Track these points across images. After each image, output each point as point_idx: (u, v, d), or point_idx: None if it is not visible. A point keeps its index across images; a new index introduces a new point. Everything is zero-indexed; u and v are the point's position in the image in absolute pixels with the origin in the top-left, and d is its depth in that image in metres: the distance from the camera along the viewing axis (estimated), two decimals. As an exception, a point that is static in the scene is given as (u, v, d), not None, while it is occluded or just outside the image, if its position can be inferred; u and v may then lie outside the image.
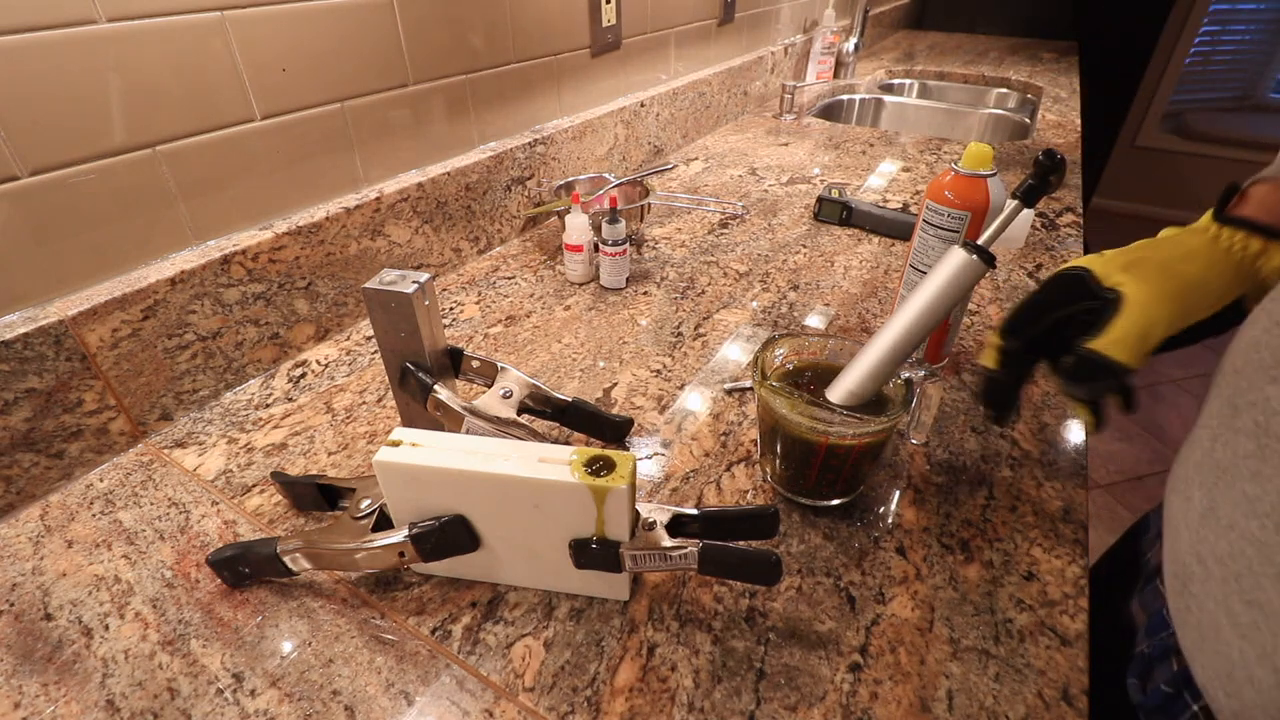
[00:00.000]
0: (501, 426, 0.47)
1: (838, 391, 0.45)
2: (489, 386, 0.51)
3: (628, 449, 0.54)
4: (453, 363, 0.51)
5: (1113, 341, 0.39)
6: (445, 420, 0.48)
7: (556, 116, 0.96)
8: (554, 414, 0.53)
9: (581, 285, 0.79)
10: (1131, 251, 0.43)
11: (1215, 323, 0.41)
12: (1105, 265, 0.42)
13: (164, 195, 0.55)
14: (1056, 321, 0.44)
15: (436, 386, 0.47)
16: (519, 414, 0.50)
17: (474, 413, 0.47)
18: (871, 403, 0.45)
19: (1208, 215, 0.43)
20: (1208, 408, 0.37)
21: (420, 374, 0.48)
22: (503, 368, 0.51)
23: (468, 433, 0.47)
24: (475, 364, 0.52)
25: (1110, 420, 0.46)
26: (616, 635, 0.40)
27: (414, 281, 0.45)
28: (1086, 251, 0.86)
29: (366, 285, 0.45)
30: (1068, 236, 0.88)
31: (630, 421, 0.55)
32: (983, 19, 2.62)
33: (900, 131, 1.40)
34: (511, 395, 0.50)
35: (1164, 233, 0.44)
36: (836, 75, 1.73)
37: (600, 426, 0.54)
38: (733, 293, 0.77)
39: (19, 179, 0.47)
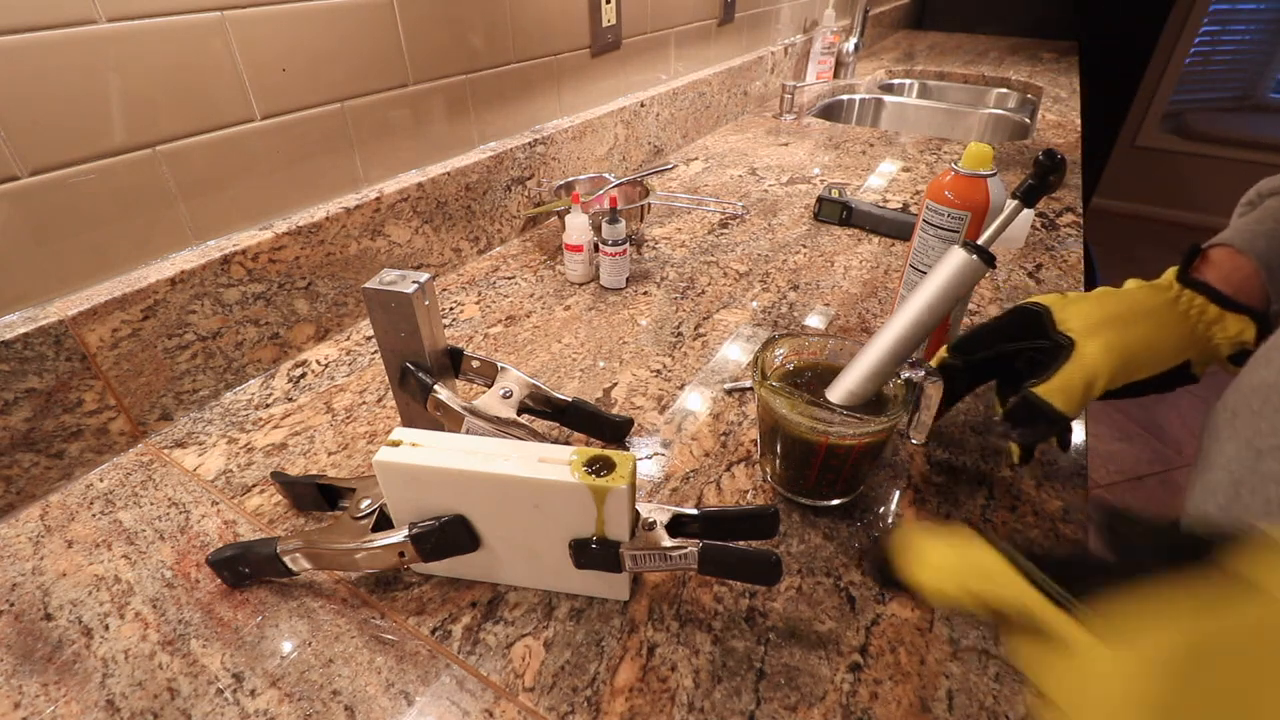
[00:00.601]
0: (501, 426, 0.47)
1: (838, 391, 0.45)
2: (489, 386, 0.51)
3: (628, 449, 0.54)
4: (453, 363, 0.51)
5: (1056, 389, 0.41)
6: (445, 420, 0.48)
7: (556, 116, 0.96)
8: (554, 414, 0.53)
9: (581, 285, 0.79)
10: (1092, 300, 0.43)
11: (1159, 381, 0.41)
12: (1065, 309, 0.43)
13: (164, 195, 0.55)
14: (1004, 353, 0.45)
15: (436, 386, 0.47)
16: (519, 414, 0.50)
17: (474, 413, 0.47)
18: (871, 403, 0.45)
19: (1171, 272, 0.44)
20: (1221, 447, 0.36)
21: (420, 374, 0.48)
22: (503, 368, 0.51)
23: (468, 433, 0.47)
24: (475, 364, 0.52)
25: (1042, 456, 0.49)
26: (616, 635, 0.40)
27: (414, 281, 0.45)
28: (1086, 251, 0.86)
29: (366, 285, 0.45)
30: (1068, 236, 0.88)
31: (630, 421, 0.55)
32: (983, 19, 2.62)
33: (900, 131, 1.40)
34: (511, 395, 0.50)
35: (1129, 284, 0.45)
36: (836, 75, 1.73)
37: (600, 426, 0.54)
38: (733, 293, 0.77)
39: (19, 179, 0.47)
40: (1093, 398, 0.40)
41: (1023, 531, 0.46)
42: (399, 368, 0.49)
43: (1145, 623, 0.20)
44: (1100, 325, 0.41)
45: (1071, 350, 0.41)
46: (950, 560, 0.26)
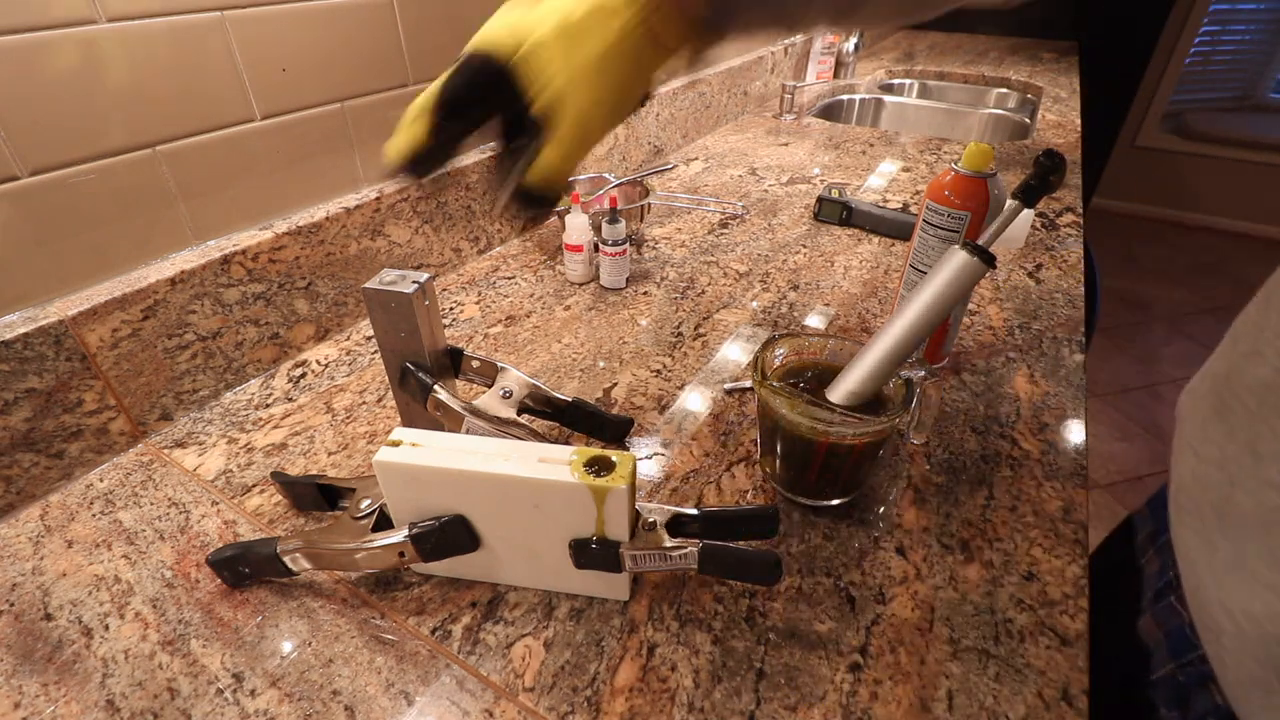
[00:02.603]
0: (501, 426, 0.47)
1: (838, 391, 0.45)
2: (489, 386, 0.51)
3: (628, 449, 0.54)
4: (453, 363, 0.51)
5: (550, 170, 0.35)
6: (445, 420, 0.48)
7: (556, 116, 0.96)
8: (554, 414, 0.53)
9: (581, 285, 0.79)
10: (558, 45, 0.34)
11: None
12: (532, 60, 0.34)
13: (164, 195, 0.55)
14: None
15: (436, 386, 0.47)
16: (519, 414, 0.50)
17: (474, 413, 0.47)
18: (871, 403, 0.45)
19: None
20: (1208, 440, 0.35)
21: (420, 374, 0.48)
22: (503, 368, 0.51)
23: (468, 433, 0.47)
24: (475, 364, 0.52)
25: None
26: (616, 635, 0.40)
27: (414, 281, 0.45)
28: (1086, 251, 0.86)
29: (366, 285, 0.45)
30: (1068, 236, 0.88)
31: (630, 421, 0.55)
32: (983, 19, 2.62)
33: (900, 131, 1.40)
34: (511, 395, 0.50)
35: (572, 3, 0.34)
36: (836, 75, 1.73)
37: (600, 426, 0.54)
38: (733, 293, 0.77)
39: (19, 179, 0.47)
40: (587, 154, 0.36)
41: (1023, 531, 0.46)
42: (399, 368, 0.49)
43: None
44: (573, 84, 0.34)
45: (556, 120, 0.34)
46: None
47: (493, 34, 0.35)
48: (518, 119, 0.35)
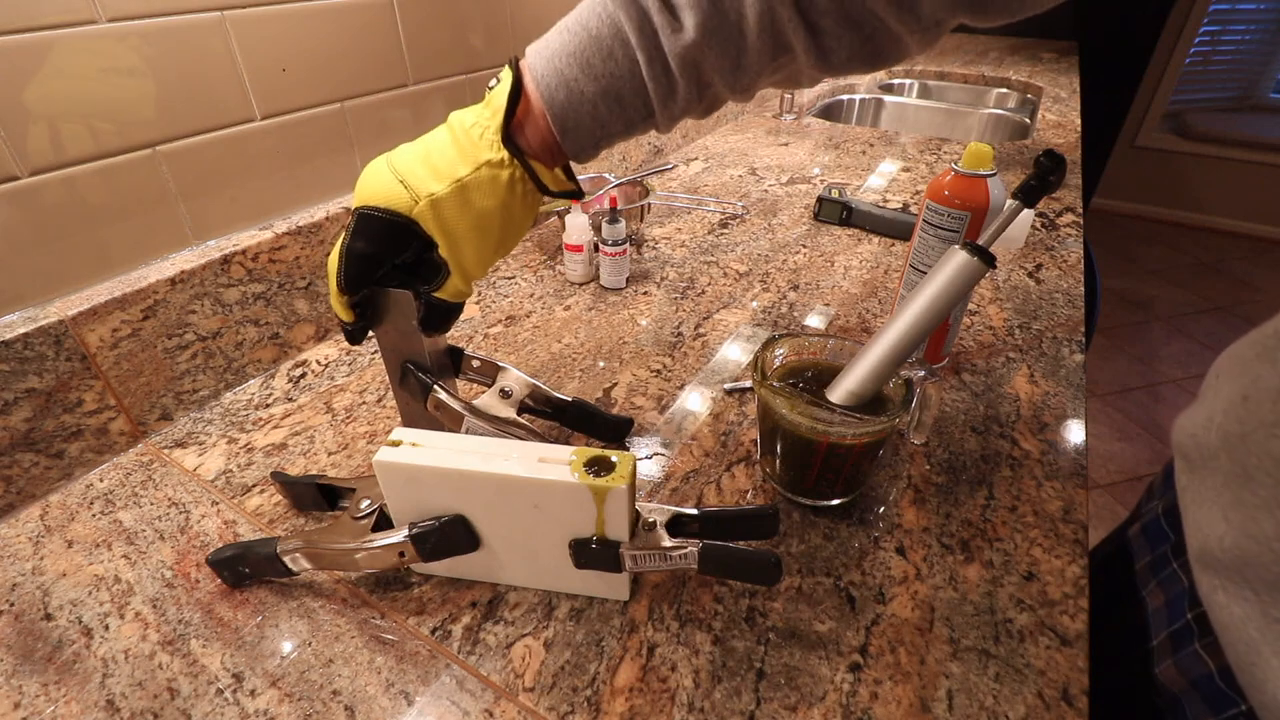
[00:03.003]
0: (501, 426, 0.47)
1: (838, 392, 0.45)
2: (489, 386, 0.51)
3: (628, 449, 0.54)
4: (453, 362, 0.51)
5: (458, 292, 0.43)
6: (445, 420, 0.48)
7: (556, 116, 0.96)
8: (554, 414, 0.53)
9: (581, 285, 0.79)
10: (451, 202, 0.39)
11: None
12: (431, 218, 0.39)
13: (164, 195, 0.55)
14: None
15: (436, 386, 0.47)
16: (519, 414, 0.50)
17: (474, 412, 0.47)
18: (871, 403, 0.45)
19: (499, 130, 0.38)
20: (1249, 515, 0.34)
21: (420, 374, 0.47)
22: (503, 367, 0.51)
23: (468, 433, 0.47)
24: (475, 364, 0.52)
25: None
26: (616, 635, 0.40)
27: (414, 281, 0.45)
28: (1086, 251, 0.86)
29: (366, 285, 0.45)
30: (1068, 236, 0.88)
31: (630, 421, 0.55)
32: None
33: (900, 131, 1.40)
34: (511, 395, 0.50)
35: (461, 146, 0.39)
36: (836, 75, 1.73)
37: (600, 426, 0.54)
38: (733, 293, 0.77)
39: (19, 179, 0.47)
40: (480, 276, 0.44)
41: (1023, 531, 0.46)
42: (399, 367, 0.49)
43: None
44: (474, 231, 0.40)
45: (456, 257, 0.41)
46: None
47: (390, 191, 0.39)
48: (421, 254, 0.42)
